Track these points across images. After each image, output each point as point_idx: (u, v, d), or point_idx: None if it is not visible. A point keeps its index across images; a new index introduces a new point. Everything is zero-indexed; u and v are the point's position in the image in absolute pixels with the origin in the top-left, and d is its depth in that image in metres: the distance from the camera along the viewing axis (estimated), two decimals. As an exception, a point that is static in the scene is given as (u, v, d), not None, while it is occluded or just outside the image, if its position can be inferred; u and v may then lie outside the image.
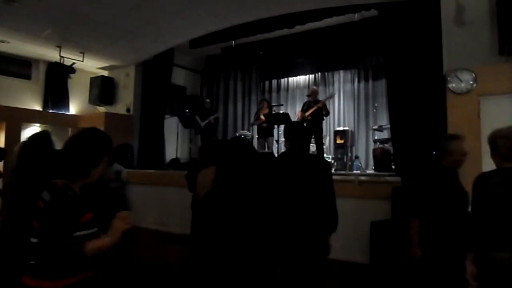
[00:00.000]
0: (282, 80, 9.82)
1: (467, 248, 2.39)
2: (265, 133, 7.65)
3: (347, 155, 7.33)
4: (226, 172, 1.91)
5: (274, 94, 9.83)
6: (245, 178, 1.88)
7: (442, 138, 2.81)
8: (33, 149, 2.46)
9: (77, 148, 1.67)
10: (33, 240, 1.56)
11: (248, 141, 2.18)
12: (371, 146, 7.60)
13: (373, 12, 6.10)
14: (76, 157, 1.66)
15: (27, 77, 8.49)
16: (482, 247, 2.25)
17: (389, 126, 6.17)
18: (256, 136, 8.24)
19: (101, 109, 8.84)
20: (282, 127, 8.00)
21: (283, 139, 7.83)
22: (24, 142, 2.53)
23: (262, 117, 7.58)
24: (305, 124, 7.10)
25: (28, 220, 1.61)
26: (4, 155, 5.53)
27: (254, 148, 2.14)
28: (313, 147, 7.14)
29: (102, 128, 9.05)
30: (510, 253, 2.12)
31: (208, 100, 8.62)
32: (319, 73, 9.32)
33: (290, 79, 9.71)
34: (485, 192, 2.27)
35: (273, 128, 7.62)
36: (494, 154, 2.36)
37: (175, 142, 8.51)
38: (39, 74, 8.59)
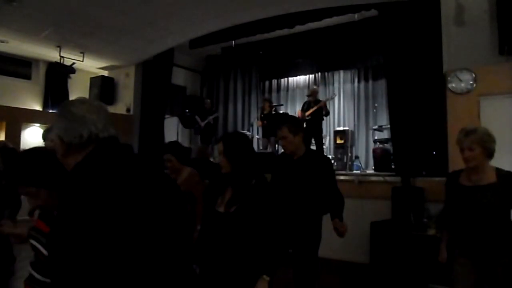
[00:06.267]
0: (282, 80, 9.81)
1: None
2: (268, 133, 7.65)
3: (347, 155, 7.32)
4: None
5: (274, 94, 9.82)
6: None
7: None
8: None
9: None
10: None
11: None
12: (371, 146, 7.59)
13: (373, 12, 6.11)
14: None
15: (27, 77, 8.48)
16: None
17: (389, 126, 6.17)
18: (257, 137, 8.24)
19: (101, 109, 8.83)
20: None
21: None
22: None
23: (259, 122, 7.66)
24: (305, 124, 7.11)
25: None
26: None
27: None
28: (313, 147, 7.13)
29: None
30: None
31: (208, 100, 8.63)
32: (319, 73, 9.31)
33: (290, 79, 9.70)
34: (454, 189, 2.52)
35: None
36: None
37: (175, 142, 8.49)
38: (39, 74, 8.58)
